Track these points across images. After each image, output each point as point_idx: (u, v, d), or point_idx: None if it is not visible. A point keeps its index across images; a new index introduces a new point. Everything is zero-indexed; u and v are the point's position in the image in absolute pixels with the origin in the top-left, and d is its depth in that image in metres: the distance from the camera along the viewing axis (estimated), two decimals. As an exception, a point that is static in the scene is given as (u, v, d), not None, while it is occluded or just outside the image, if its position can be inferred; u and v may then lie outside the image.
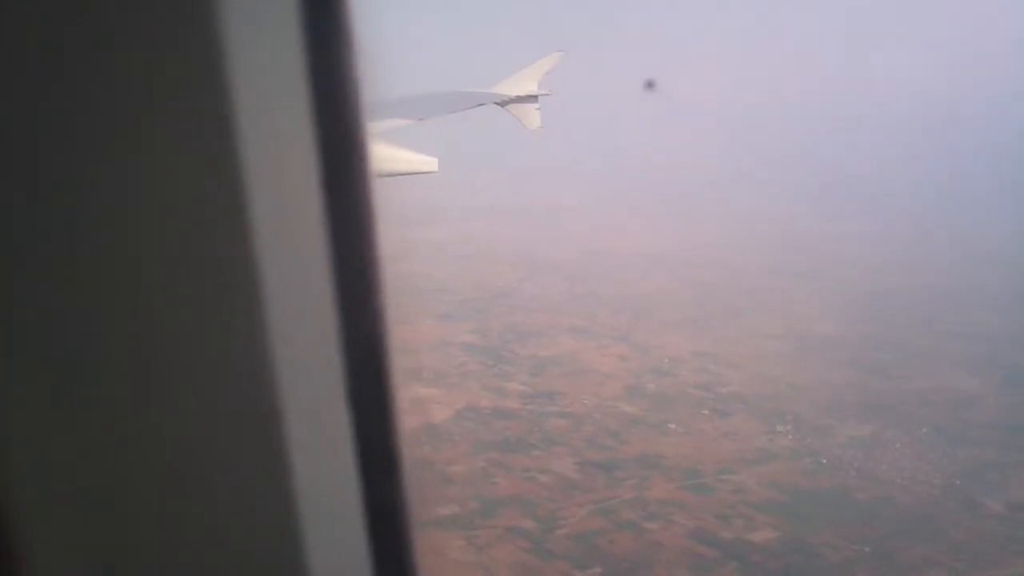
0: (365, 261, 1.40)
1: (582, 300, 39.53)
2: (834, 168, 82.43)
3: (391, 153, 12.65)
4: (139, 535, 1.30)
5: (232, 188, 1.16)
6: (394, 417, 1.53)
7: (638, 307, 38.55)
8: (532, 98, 19.08)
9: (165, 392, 1.24)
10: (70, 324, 1.20)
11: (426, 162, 13.06)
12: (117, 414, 1.25)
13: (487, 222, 56.28)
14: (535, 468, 23.28)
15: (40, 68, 1.13)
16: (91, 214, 1.16)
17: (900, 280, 44.46)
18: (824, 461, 24.39)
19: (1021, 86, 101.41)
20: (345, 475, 1.42)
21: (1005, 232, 57.52)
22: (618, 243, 51.43)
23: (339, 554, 1.43)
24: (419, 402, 27.22)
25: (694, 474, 23.30)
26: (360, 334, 1.39)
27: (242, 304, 1.18)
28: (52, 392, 1.22)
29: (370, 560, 1.47)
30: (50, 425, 1.24)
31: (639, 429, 26.03)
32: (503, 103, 18.83)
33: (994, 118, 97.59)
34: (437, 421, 25.94)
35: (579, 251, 49.33)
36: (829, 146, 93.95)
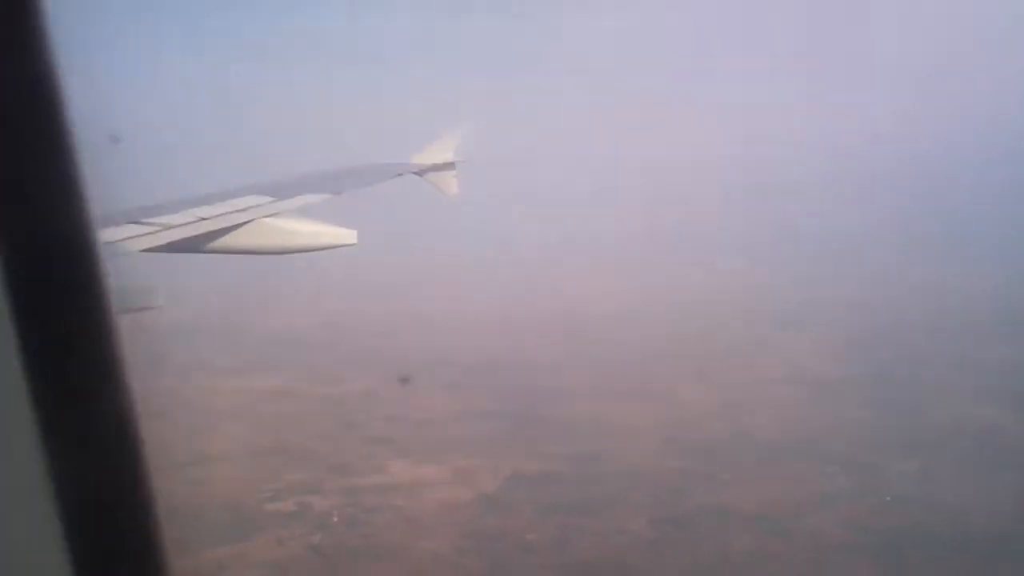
0: None
1: (581, 360, 39.11)
2: (759, 213, 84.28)
3: (310, 228, 12.63)
4: None
5: None
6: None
7: (638, 363, 38.33)
8: (449, 166, 19.22)
9: None
10: None
11: (345, 235, 12.94)
12: None
13: (449, 292, 55.70)
14: (612, 530, 22.54)
15: None
16: None
17: (875, 319, 45.34)
18: (888, 499, 24.30)
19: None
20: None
21: (967, 261, 59.51)
22: (584, 303, 51.38)
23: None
24: (464, 473, 26.35)
25: (769, 521, 22.88)
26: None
27: None
28: None
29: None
30: None
31: (694, 481, 25.55)
32: (421, 172, 18.94)
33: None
34: (490, 491, 25.02)
35: (553, 313, 49.06)
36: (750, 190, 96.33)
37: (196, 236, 11.75)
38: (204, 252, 12.42)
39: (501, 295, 54.87)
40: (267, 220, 12.71)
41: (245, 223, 12.41)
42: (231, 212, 12.56)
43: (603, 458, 27.48)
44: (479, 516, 23.46)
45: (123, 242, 10.55)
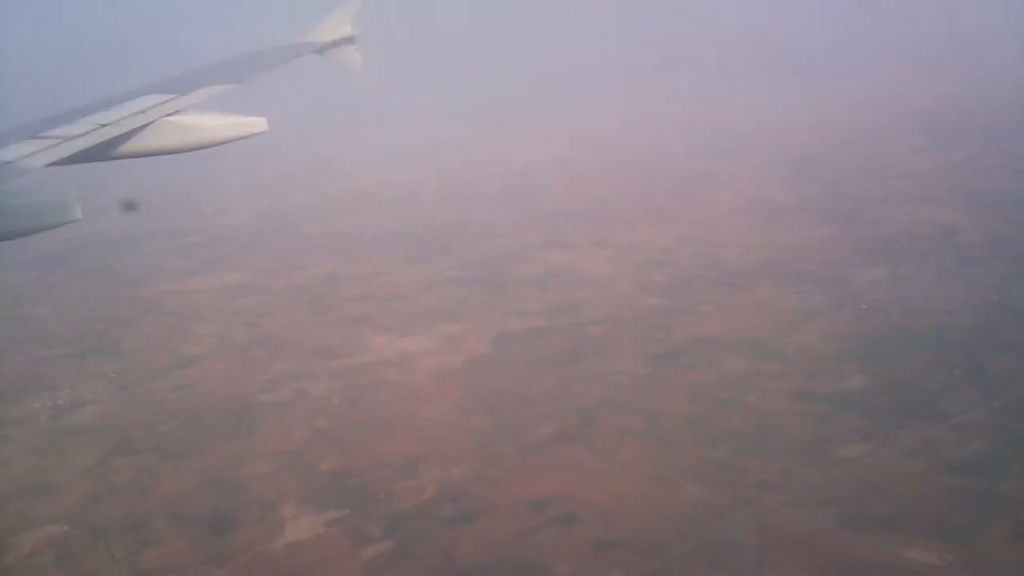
0: None
1: (534, 217, 39.13)
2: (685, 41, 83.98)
3: (216, 121, 12.38)
4: None
5: None
6: None
7: (589, 212, 38.52)
8: (349, 40, 18.55)
9: None
10: None
11: (256, 124, 12.66)
12: None
13: (377, 168, 54.93)
14: (607, 372, 22.99)
15: None
16: None
17: (815, 142, 45.97)
18: (864, 307, 25.10)
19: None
20: None
21: (904, 75, 60.36)
22: (518, 161, 51.15)
23: None
24: (452, 339, 26.48)
25: (756, 344, 23.53)
26: None
27: None
28: None
29: None
30: None
31: (677, 317, 26.05)
32: (321, 50, 18.30)
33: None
34: (481, 352, 25.21)
35: (491, 175, 48.78)
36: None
37: (100, 144, 11.37)
38: (111, 159, 11.98)
39: (430, 165, 54.35)
40: (170, 119, 12.25)
41: (148, 124, 11.98)
42: (131, 115, 12.10)
43: (580, 307, 27.80)
44: (475, 378, 23.69)
45: (25, 159, 10.14)
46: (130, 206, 33.26)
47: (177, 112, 12.44)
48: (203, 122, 12.38)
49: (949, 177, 36.24)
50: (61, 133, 11.05)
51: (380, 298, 30.91)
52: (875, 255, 28.87)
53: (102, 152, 11.57)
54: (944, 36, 76.18)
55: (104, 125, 11.53)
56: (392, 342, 26.68)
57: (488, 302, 29.23)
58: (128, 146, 11.93)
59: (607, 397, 21.56)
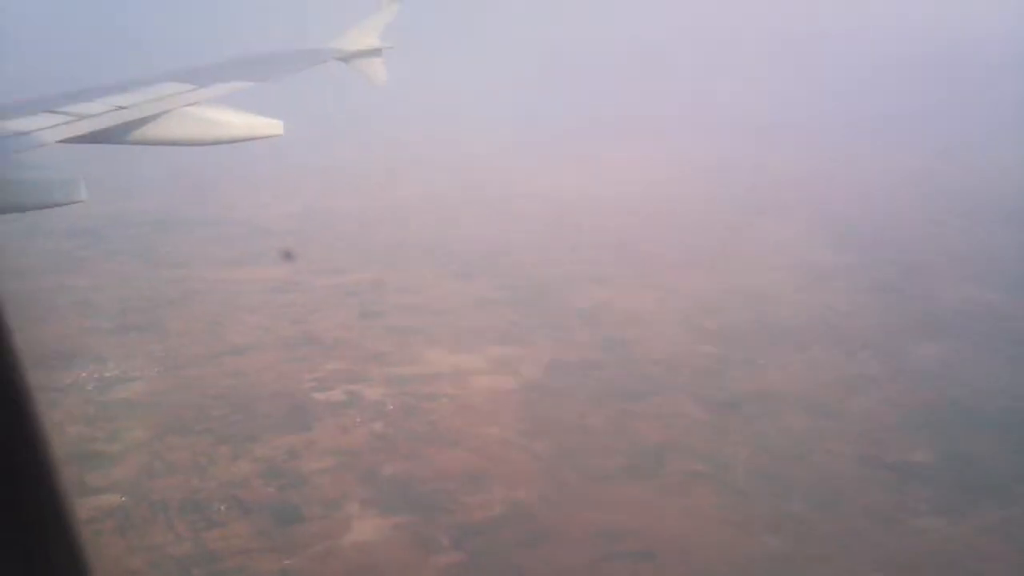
0: None
1: (577, 247, 39.10)
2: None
3: (233, 117, 12.30)
4: None
5: None
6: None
7: (633, 251, 38.49)
8: (375, 52, 18.57)
9: None
10: None
11: (272, 125, 12.61)
12: None
13: (408, 181, 54.86)
14: (666, 414, 22.83)
15: None
16: None
17: (857, 207, 46.23)
18: (921, 381, 25.10)
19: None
20: None
21: (953, 147, 60.78)
22: (559, 188, 51.28)
23: None
24: (505, 361, 26.27)
25: (817, 405, 23.42)
26: None
27: None
28: None
29: None
30: None
31: (731, 367, 25.95)
32: (346, 59, 18.34)
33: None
34: (536, 378, 25.02)
35: (530, 198, 48.77)
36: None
37: (116, 126, 11.22)
38: (124, 143, 11.84)
39: (458, 181, 54.33)
40: (188, 109, 12.11)
41: (165, 112, 11.83)
42: (150, 100, 11.95)
43: (633, 345, 27.67)
44: (532, 403, 23.48)
45: (40, 132, 9.96)
46: (288, 256, 34.78)
47: (195, 104, 12.26)
48: (220, 117, 12.23)
49: (991, 260, 36.42)
50: (78, 110, 10.85)
51: (428, 311, 30.71)
52: (927, 330, 28.89)
53: (117, 135, 11.38)
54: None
55: (122, 107, 11.33)
56: (443, 356, 26.46)
57: (538, 328, 29.06)
58: (143, 131, 11.75)
59: (670, 438, 21.37)
